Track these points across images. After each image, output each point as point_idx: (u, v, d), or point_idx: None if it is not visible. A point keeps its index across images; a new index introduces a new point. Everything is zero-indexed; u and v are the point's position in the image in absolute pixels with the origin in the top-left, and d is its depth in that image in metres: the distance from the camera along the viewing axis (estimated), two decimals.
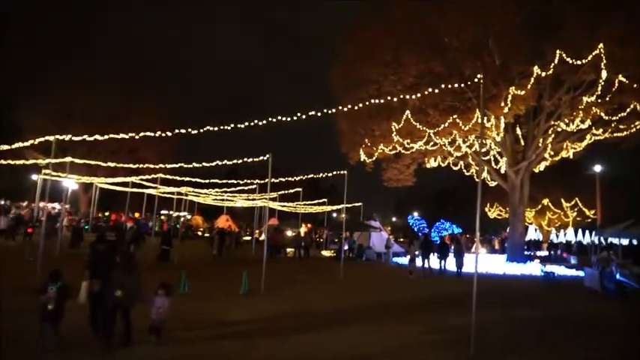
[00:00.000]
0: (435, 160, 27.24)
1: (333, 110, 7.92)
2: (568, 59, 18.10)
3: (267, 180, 13.23)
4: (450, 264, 19.11)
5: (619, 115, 20.85)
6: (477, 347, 6.81)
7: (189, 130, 8.20)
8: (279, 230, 27.73)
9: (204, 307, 9.74)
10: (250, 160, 12.37)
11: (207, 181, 19.44)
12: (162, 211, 47.26)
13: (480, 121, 9.66)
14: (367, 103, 9.38)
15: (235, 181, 20.33)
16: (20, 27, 35.70)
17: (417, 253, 18.89)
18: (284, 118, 7.92)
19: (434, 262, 18.84)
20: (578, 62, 18.37)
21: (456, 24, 19.90)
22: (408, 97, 12.02)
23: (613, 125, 22.01)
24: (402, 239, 39.80)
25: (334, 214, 47.25)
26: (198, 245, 29.29)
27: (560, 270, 20.49)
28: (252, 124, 7.91)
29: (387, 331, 8.31)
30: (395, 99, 11.30)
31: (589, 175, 35.48)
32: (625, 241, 22.53)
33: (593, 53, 17.98)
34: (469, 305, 7.13)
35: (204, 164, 13.32)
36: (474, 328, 6.89)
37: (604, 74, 18.40)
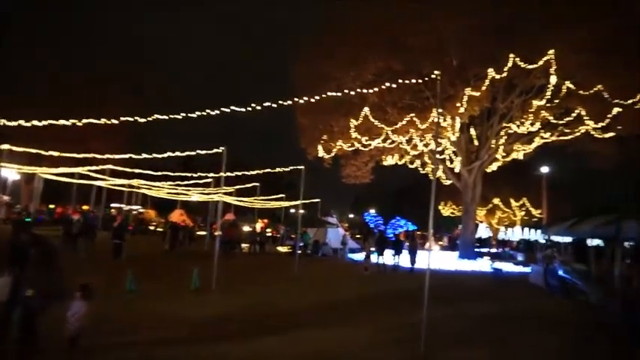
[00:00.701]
0: (393, 158, 27.60)
1: (289, 102, 7.70)
2: (521, 63, 18.72)
3: (221, 174, 12.83)
4: (404, 260, 19.39)
5: (565, 120, 21.82)
6: (428, 344, 6.82)
7: (137, 118, 7.71)
8: (234, 225, 27.20)
9: (151, 306, 9.28)
10: (204, 152, 11.92)
11: (158, 173, 18.69)
12: (113, 205, 45.59)
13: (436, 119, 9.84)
14: (324, 95, 9.23)
15: (189, 174, 19.67)
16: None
17: (372, 249, 19.02)
18: (238, 109, 7.61)
19: (388, 258, 19.03)
20: (530, 67, 19.05)
21: (415, 24, 20.15)
22: (366, 90, 11.94)
23: (559, 129, 23.03)
24: (357, 235, 40.14)
25: (292, 210, 47.03)
26: (151, 240, 28.35)
27: (508, 267, 21.26)
28: (204, 113, 7.56)
29: (341, 329, 8.20)
30: (353, 92, 11.21)
31: (537, 176, 37.11)
32: (568, 239, 23.63)
33: (544, 59, 18.71)
34: (422, 301, 7.14)
35: (155, 155, 12.72)
36: (425, 325, 6.90)
37: (553, 79, 19.20)
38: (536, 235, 37.51)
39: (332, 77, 21.85)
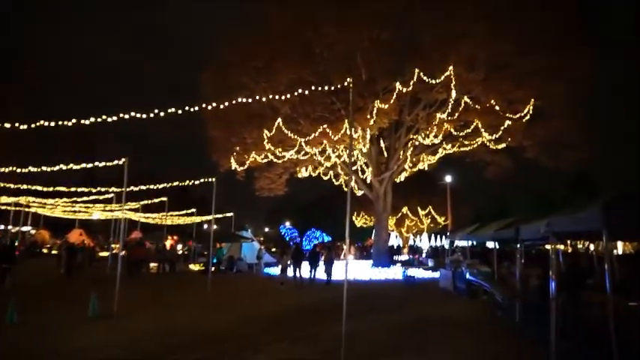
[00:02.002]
0: (306, 170, 27.64)
1: (196, 108, 7.16)
2: (425, 78, 19.77)
3: (123, 188, 11.74)
4: (321, 272, 19.35)
5: (465, 132, 23.42)
6: (349, 357, 6.64)
7: (18, 125, 6.62)
8: (140, 244, 25.35)
9: (33, 340, 8.10)
10: (103, 164, 10.78)
11: (50, 189, 16.66)
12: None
13: (348, 131, 9.88)
14: (234, 102, 8.79)
15: (87, 190, 17.81)
16: None
17: (288, 262, 18.70)
18: (138, 115, 6.87)
19: (305, 271, 18.83)
20: (433, 81, 20.20)
21: (327, 38, 20.48)
22: (279, 97, 11.66)
23: (460, 141, 24.68)
24: (273, 249, 39.59)
25: (205, 226, 45.28)
26: (44, 264, 25.52)
27: (419, 273, 22.10)
28: (99, 120, 6.70)
29: (255, 350, 7.75)
30: (264, 99, 10.92)
31: (441, 186, 39.60)
32: (470, 244, 25.21)
33: (445, 74, 19.94)
34: (340, 313, 6.97)
35: (44, 168, 11.26)
36: (345, 338, 6.72)
37: (453, 94, 20.51)
38: (442, 242, 39.82)
39: (243, 87, 21.40)
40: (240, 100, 9.70)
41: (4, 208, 28.36)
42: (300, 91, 10.04)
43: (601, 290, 8.01)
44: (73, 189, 17.09)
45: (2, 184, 17.18)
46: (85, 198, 20.40)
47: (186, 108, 6.93)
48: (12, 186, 17.57)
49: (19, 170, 12.53)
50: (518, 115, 21.39)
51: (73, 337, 8.37)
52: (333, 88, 9.92)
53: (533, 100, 21.21)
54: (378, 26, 20.62)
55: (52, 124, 6.71)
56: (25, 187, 17.03)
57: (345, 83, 7.23)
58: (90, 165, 10.92)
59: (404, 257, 35.67)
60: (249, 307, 12.95)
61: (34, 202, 27.80)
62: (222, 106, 8.05)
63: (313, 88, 10.05)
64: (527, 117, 21.48)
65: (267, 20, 21.95)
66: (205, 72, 23.50)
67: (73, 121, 6.74)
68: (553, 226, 6.00)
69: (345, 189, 7.44)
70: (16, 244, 30.13)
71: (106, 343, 7.93)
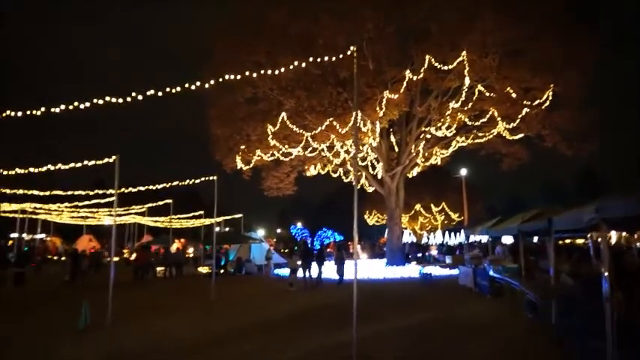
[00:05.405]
0: (315, 168, 26.76)
1: (188, 86, 6.23)
2: (436, 64, 18.70)
3: (115, 189, 10.95)
4: (332, 272, 18.49)
5: (480, 122, 22.25)
6: None
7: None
8: (146, 248, 24.72)
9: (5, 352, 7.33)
10: (92, 162, 10.02)
11: (47, 193, 15.97)
12: (13, 235, 40.69)
13: (356, 122, 9.00)
14: (225, 78, 7.97)
15: (84, 193, 17.11)
16: None
17: (298, 263, 17.85)
18: (114, 99, 6.00)
19: (314, 271, 17.94)
20: (445, 68, 19.11)
21: (329, 28, 19.53)
22: (278, 70, 10.39)
23: (474, 132, 23.56)
24: (284, 250, 38.78)
25: (217, 228, 44.77)
26: (51, 270, 25.08)
27: (436, 270, 21.04)
28: (70, 107, 5.87)
29: None
30: (269, 71, 9.86)
31: (453, 181, 38.43)
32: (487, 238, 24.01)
33: (457, 60, 18.84)
34: (351, 316, 6.07)
35: (32, 170, 10.49)
36: (355, 346, 5.81)
37: (467, 81, 19.38)
38: (456, 238, 38.60)
39: (247, 82, 20.53)
40: (230, 77, 8.78)
41: (11, 215, 27.84)
42: (296, 63, 9.09)
43: None
44: (69, 192, 16.34)
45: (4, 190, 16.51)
46: (86, 202, 19.69)
47: (167, 89, 6.09)
48: (12, 192, 16.89)
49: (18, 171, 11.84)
50: (537, 102, 20.25)
51: (49, 350, 7.58)
52: (334, 58, 8.97)
53: (552, 86, 20.07)
54: (381, 17, 19.64)
55: (20, 113, 5.89)
56: (22, 192, 16.34)
57: (349, 53, 6.33)
58: (79, 164, 10.16)
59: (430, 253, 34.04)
60: (254, 310, 12.10)
61: (40, 208, 27.30)
62: (207, 85, 7.20)
63: (311, 59, 9.08)
64: (547, 104, 20.34)
65: (260, 15, 20.92)
66: (204, 71, 22.55)
67: (42, 108, 5.92)
68: (604, 212, 5.01)
69: (354, 185, 6.54)
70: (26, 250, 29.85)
71: (84, 357, 7.11)
